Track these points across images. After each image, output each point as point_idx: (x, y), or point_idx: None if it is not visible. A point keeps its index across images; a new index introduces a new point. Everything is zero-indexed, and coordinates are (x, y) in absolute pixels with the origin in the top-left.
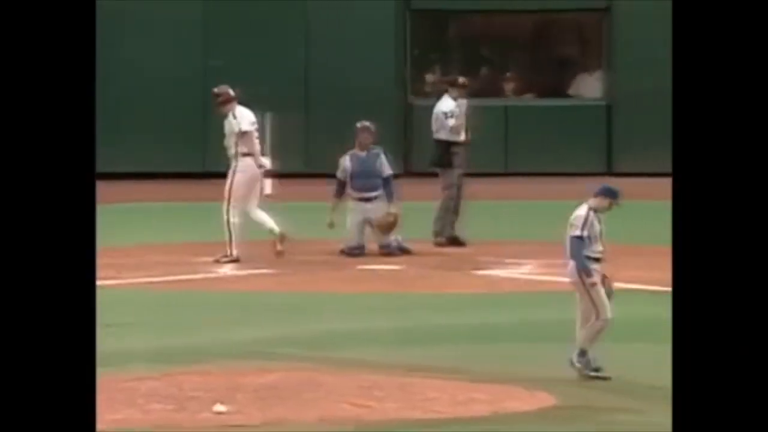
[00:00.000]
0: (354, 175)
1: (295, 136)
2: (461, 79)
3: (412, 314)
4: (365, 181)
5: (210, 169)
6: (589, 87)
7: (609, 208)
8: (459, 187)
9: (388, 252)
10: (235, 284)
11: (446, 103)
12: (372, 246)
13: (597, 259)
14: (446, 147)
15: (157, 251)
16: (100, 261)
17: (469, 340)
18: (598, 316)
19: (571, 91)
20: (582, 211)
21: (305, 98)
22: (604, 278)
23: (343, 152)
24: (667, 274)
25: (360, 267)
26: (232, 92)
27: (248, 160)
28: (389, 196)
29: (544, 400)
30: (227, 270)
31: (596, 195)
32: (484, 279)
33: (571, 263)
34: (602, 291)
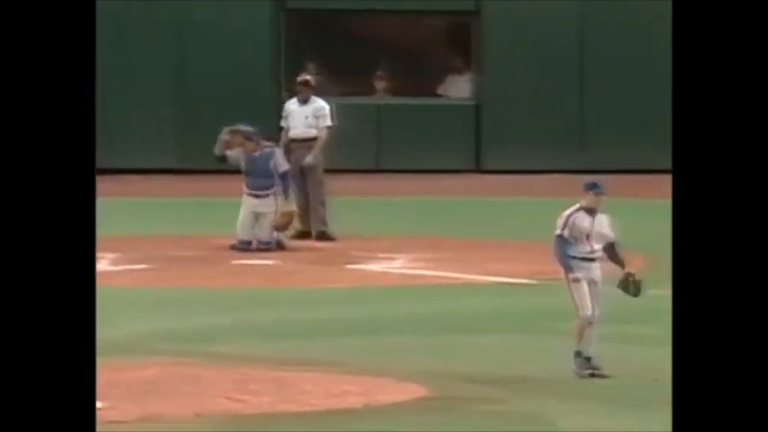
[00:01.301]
0: (247, 173)
1: (169, 132)
2: (300, 78)
3: (287, 308)
4: (257, 179)
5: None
6: (459, 87)
7: (598, 201)
8: (309, 185)
9: (266, 248)
10: (111, 280)
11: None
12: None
13: (588, 259)
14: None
15: None
16: None
17: (342, 333)
18: (577, 314)
19: (441, 91)
20: (568, 210)
21: (180, 95)
22: (627, 275)
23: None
24: (528, 267)
25: (235, 262)
26: None
27: None
28: (285, 192)
29: (414, 391)
30: (103, 265)
31: (583, 194)
32: (357, 273)
33: None
34: (584, 289)
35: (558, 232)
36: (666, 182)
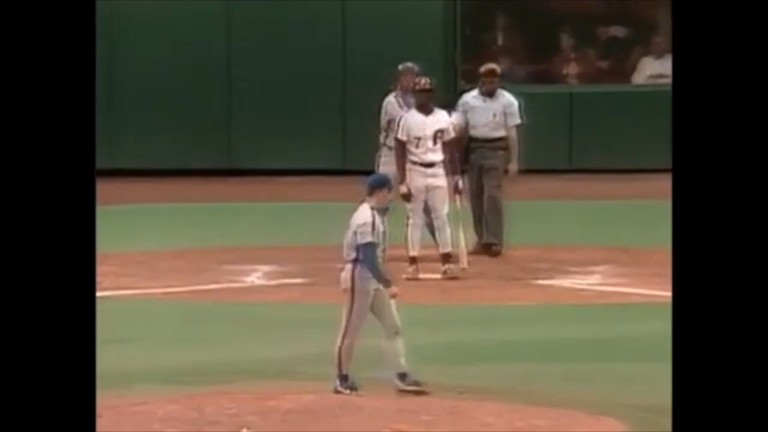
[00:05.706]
0: None
1: (332, 130)
2: (485, 67)
3: (462, 329)
4: None
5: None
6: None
7: (387, 200)
8: (486, 190)
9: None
10: (262, 295)
11: None
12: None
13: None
14: None
15: (174, 257)
16: (107, 268)
17: (528, 358)
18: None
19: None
20: (366, 213)
21: (344, 81)
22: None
23: None
24: None
25: (404, 276)
26: None
27: None
28: None
29: (612, 426)
30: (257, 279)
31: (369, 193)
32: (545, 290)
33: (347, 268)
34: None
35: (369, 239)
36: None
